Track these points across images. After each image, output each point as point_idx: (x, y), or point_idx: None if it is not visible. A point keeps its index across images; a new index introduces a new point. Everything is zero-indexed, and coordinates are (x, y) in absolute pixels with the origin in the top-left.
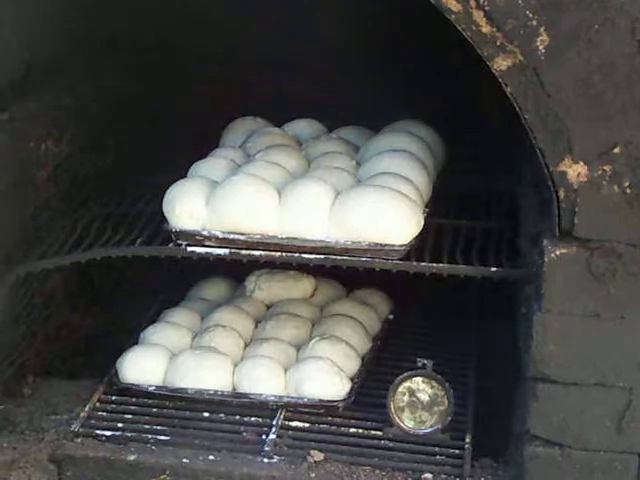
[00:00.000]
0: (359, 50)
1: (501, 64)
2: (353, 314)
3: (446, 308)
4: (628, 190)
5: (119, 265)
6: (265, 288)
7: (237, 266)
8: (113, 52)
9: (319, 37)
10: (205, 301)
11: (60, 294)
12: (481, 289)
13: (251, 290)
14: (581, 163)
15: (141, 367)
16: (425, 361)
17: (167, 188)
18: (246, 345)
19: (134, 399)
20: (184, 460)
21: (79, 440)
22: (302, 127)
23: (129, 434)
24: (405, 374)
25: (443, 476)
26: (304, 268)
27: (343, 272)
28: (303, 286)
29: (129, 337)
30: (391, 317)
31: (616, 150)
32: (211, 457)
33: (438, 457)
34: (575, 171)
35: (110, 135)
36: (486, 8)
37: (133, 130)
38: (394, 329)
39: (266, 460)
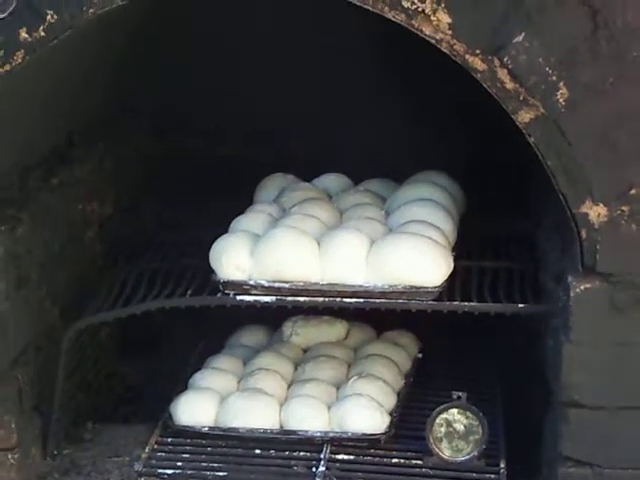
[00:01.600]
0: (379, 105)
1: (524, 117)
2: (386, 354)
3: (466, 344)
4: None
5: (157, 317)
6: (301, 333)
7: (272, 313)
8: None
9: (343, 93)
10: (246, 347)
11: (109, 345)
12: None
13: (288, 335)
14: (601, 205)
15: (194, 410)
16: (459, 394)
17: (208, 243)
18: (288, 386)
19: (189, 440)
20: None
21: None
22: (330, 181)
23: (189, 471)
24: (442, 406)
25: None
26: (336, 313)
27: (372, 315)
28: (337, 330)
29: (174, 384)
30: (420, 356)
31: (632, 192)
32: None
33: None
34: (595, 212)
35: (148, 194)
36: (509, 66)
37: (169, 189)
38: (423, 366)
39: None
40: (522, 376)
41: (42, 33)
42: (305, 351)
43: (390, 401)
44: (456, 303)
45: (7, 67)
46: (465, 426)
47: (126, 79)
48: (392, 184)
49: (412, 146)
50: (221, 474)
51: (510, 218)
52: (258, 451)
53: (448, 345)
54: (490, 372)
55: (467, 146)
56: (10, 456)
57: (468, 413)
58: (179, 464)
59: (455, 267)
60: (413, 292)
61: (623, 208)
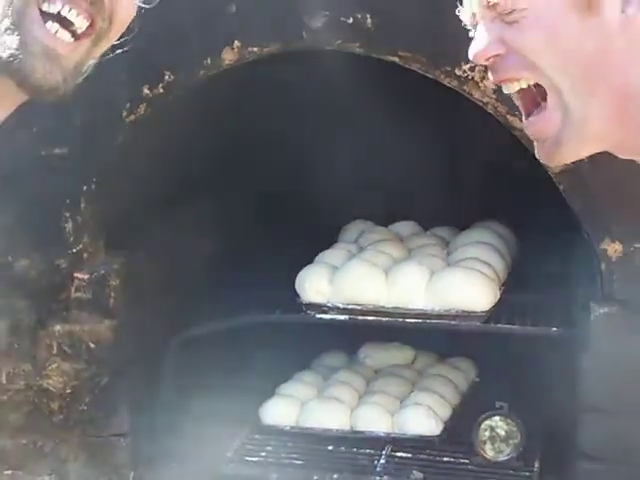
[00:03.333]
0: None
1: (555, 169)
2: (445, 374)
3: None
4: None
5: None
6: (374, 356)
7: (350, 339)
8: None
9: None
10: (326, 367)
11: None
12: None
13: (363, 358)
14: (617, 242)
15: (278, 412)
16: (502, 404)
17: None
18: (360, 397)
19: (273, 437)
20: (315, 478)
21: (233, 465)
22: (403, 226)
23: (271, 460)
24: (486, 414)
25: None
26: (406, 340)
27: (437, 342)
28: (405, 354)
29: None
30: (477, 379)
31: None
32: (335, 476)
33: (513, 477)
34: (613, 248)
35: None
36: None
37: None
38: (480, 388)
39: (377, 478)
40: (558, 389)
41: (161, 90)
42: (376, 372)
43: (445, 412)
44: (500, 325)
45: (132, 117)
46: (506, 431)
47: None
48: (456, 230)
49: (477, 198)
50: (298, 463)
51: (552, 258)
52: (330, 447)
53: (502, 369)
54: (530, 386)
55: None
56: (122, 440)
57: (509, 420)
58: (263, 454)
59: (504, 298)
60: (464, 315)
61: (636, 245)
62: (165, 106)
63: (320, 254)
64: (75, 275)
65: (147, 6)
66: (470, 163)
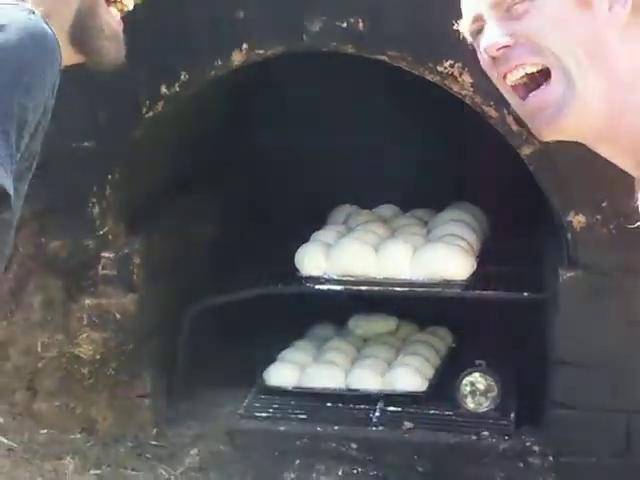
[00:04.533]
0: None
1: (526, 151)
2: (426, 340)
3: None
4: (614, 231)
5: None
6: (362, 326)
7: (341, 311)
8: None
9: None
10: (320, 337)
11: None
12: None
13: (352, 328)
14: (581, 214)
15: (281, 375)
16: (481, 362)
17: None
18: (352, 361)
19: (277, 397)
20: (318, 429)
21: (244, 420)
22: (385, 209)
23: (278, 415)
24: (467, 371)
25: (496, 435)
26: (389, 310)
27: (417, 313)
28: (389, 324)
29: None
30: (454, 345)
31: (603, 204)
32: (336, 427)
33: (492, 426)
34: (577, 220)
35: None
36: (514, 114)
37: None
38: (456, 352)
39: (374, 428)
40: (530, 348)
41: (177, 88)
42: (365, 340)
43: (429, 371)
44: (478, 292)
45: (151, 114)
46: (485, 386)
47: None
48: (434, 211)
49: (449, 183)
50: (302, 417)
51: (522, 232)
52: (329, 404)
53: (478, 334)
54: (505, 347)
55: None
56: (146, 401)
57: (487, 376)
58: (270, 410)
59: (480, 269)
60: (446, 284)
61: (597, 216)
62: (180, 103)
63: (314, 234)
64: (102, 254)
65: None
66: (444, 149)
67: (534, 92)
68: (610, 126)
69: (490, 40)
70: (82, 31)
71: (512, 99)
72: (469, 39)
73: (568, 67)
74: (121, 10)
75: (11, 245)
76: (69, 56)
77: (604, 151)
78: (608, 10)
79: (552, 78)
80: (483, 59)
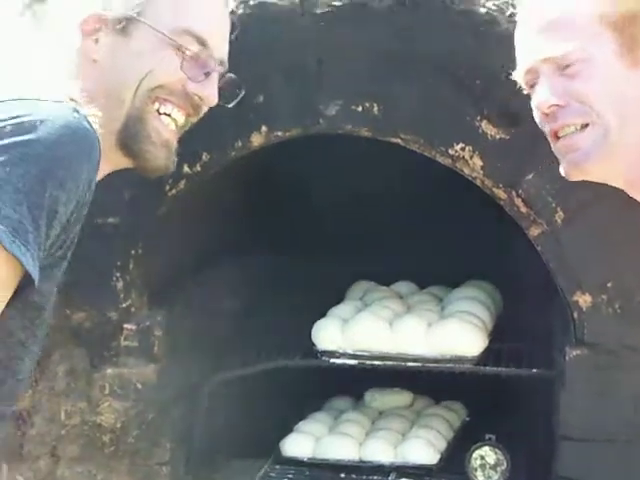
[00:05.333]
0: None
1: (534, 232)
2: (440, 414)
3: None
4: (619, 310)
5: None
6: (378, 399)
7: (357, 385)
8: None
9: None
10: (336, 409)
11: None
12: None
13: (368, 401)
14: (587, 294)
15: (297, 445)
16: (491, 435)
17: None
18: (367, 433)
19: (293, 467)
20: None
21: None
22: (402, 286)
23: None
24: (477, 444)
25: None
26: (406, 383)
27: (432, 388)
28: (404, 398)
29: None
30: (468, 419)
31: (609, 285)
32: None
33: None
34: (583, 299)
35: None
36: (523, 196)
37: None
38: (469, 426)
39: None
40: (538, 423)
41: (198, 168)
42: (380, 413)
43: (442, 444)
44: (488, 368)
45: (173, 192)
46: (494, 460)
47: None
48: (449, 288)
49: (466, 261)
50: None
51: (532, 310)
52: (343, 475)
53: (490, 408)
54: (516, 421)
55: (506, 262)
56: (164, 469)
57: (497, 450)
58: None
59: (491, 345)
60: (457, 359)
61: (603, 296)
62: (201, 182)
63: (331, 309)
64: (124, 326)
65: (228, 105)
66: (459, 229)
67: (568, 137)
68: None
69: (542, 97)
70: (129, 135)
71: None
72: (525, 89)
73: (610, 124)
74: (174, 122)
75: (46, 327)
76: (118, 159)
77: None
78: None
79: (588, 128)
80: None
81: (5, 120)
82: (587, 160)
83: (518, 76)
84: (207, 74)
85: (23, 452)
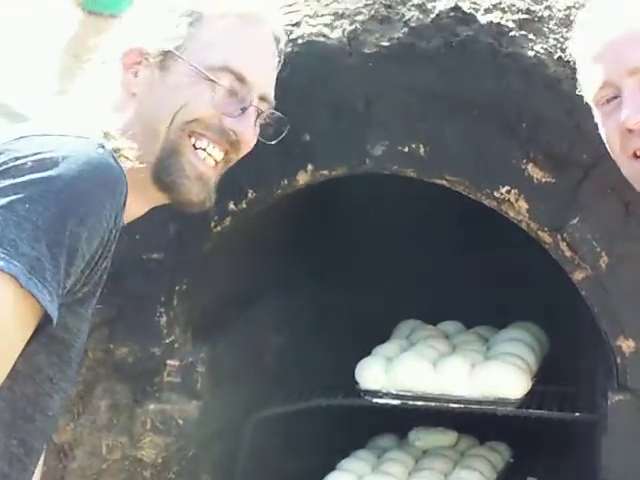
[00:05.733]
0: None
1: (578, 276)
2: (484, 455)
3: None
4: None
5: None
6: (422, 438)
7: (402, 424)
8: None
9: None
10: (380, 447)
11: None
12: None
13: (413, 440)
14: (630, 339)
15: None
16: (533, 479)
17: None
18: (409, 473)
19: None
20: None
21: None
22: (448, 325)
23: None
24: None
25: None
26: (451, 423)
27: (478, 428)
28: (449, 437)
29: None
30: (512, 460)
31: None
32: None
33: None
34: (626, 345)
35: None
36: (567, 240)
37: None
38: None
39: None
40: (581, 467)
41: (244, 205)
42: (424, 452)
43: None
44: (531, 411)
45: (219, 228)
46: None
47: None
48: (495, 329)
49: (513, 301)
50: None
51: (577, 353)
52: None
53: (535, 451)
54: (558, 465)
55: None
56: None
57: None
58: None
59: (535, 388)
60: (500, 402)
61: None
62: (247, 219)
63: (377, 347)
64: (167, 362)
65: (267, 142)
66: (508, 275)
67: None
68: None
69: (630, 113)
70: (163, 168)
71: (622, 159)
72: (593, 106)
73: None
74: (211, 157)
75: (76, 365)
76: (154, 194)
77: None
78: None
79: None
80: (609, 127)
81: (27, 157)
82: None
83: (588, 92)
84: (244, 109)
85: None
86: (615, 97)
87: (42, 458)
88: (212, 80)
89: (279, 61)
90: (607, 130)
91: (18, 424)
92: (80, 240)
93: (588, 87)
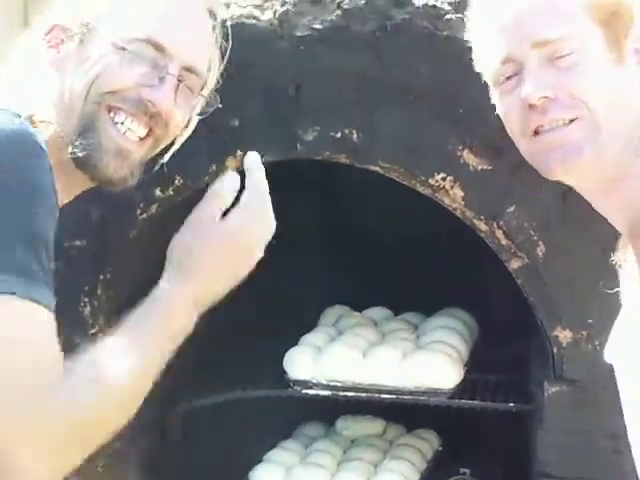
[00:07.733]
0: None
1: (514, 265)
2: (413, 444)
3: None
4: (598, 347)
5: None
6: (350, 427)
7: (329, 412)
8: None
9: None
10: (307, 437)
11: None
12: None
13: (340, 429)
14: (567, 330)
15: (266, 476)
16: (465, 470)
17: None
18: (338, 463)
19: None
20: None
21: None
22: (375, 312)
23: None
24: (451, 479)
25: None
26: (376, 412)
27: (404, 415)
28: (376, 426)
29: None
30: (440, 448)
31: (589, 321)
32: None
33: None
34: (564, 335)
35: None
36: (504, 228)
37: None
38: (442, 456)
39: None
40: (513, 458)
41: (170, 192)
42: (352, 441)
43: (414, 476)
44: (464, 401)
45: (145, 215)
46: None
47: None
48: (424, 316)
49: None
50: None
51: (513, 343)
52: None
53: (463, 439)
54: (490, 455)
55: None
56: None
57: None
58: None
59: (467, 377)
60: (432, 392)
61: (583, 332)
62: (173, 206)
63: (304, 336)
64: None
65: (201, 117)
66: (439, 259)
67: (557, 130)
68: (620, 177)
69: (532, 88)
70: (80, 143)
71: (522, 138)
72: (491, 85)
73: (599, 119)
74: (132, 132)
75: None
76: (80, 178)
77: (604, 204)
78: (636, 64)
79: (576, 122)
80: (508, 105)
81: None
82: (579, 154)
83: (487, 67)
84: (162, 79)
85: None
86: (515, 74)
87: None
88: (124, 48)
89: (216, 36)
90: (506, 109)
91: None
92: (38, 218)
93: (487, 64)
